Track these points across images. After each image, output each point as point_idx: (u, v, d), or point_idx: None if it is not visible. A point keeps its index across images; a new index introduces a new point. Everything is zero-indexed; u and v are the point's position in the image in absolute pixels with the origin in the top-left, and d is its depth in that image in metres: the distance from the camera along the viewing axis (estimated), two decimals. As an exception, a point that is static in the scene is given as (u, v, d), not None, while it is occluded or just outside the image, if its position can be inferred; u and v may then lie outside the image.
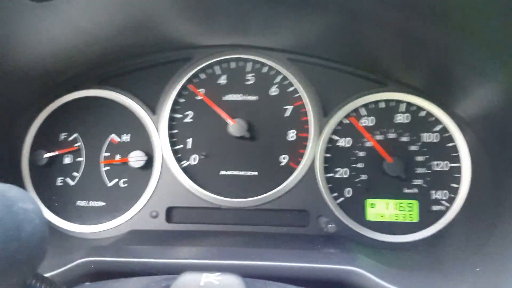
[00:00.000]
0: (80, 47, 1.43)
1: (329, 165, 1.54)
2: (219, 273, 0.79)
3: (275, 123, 1.58)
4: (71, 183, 1.58)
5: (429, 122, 1.53)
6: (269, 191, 1.52)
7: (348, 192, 1.52)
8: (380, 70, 1.56)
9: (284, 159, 1.56)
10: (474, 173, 1.48)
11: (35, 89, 1.55)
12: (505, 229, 1.21)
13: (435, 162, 1.51)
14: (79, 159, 1.59)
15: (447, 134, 1.52)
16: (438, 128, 1.53)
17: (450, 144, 1.51)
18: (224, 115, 1.56)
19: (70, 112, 1.61)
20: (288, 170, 1.54)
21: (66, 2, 1.13)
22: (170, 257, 1.03)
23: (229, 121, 1.54)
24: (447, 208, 1.48)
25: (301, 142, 1.56)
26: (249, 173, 1.56)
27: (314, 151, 1.54)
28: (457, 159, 1.50)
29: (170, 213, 1.55)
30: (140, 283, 0.81)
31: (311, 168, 1.53)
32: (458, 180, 1.49)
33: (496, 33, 1.01)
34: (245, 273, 0.92)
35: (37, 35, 1.27)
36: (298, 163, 1.54)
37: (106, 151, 1.58)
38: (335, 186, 1.53)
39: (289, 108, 1.59)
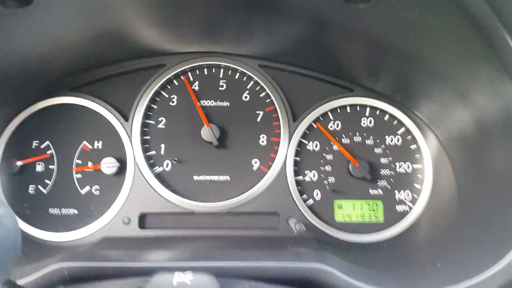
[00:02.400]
0: (52, 54, 1.43)
1: (299, 168, 1.59)
2: (191, 271, 0.81)
3: (247, 128, 1.62)
4: (44, 191, 1.57)
5: (393, 126, 1.61)
6: (241, 195, 1.55)
7: (317, 194, 1.57)
8: (346, 76, 1.63)
9: (255, 163, 1.60)
10: (435, 174, 1.55)
11: (7, 96, 1.54)
12: (464, 227, 1.29)
13: (398, 164, 1.58)
14: (51, 166, 1.58)
15: (409, 137, 1.59)
16: (401, 131, 1.60)
17: (413, 147, 1.59)
18: (202, 117, 1.58)
19: (42, 119, 1.60)
20: (260, 174, 1.58)
21: (39, 9, 1.13)
22: (143, 260, 1.05)
23: (205, 125, 1.57)
24: (411, 208, 1.55)
25: (272, 146, 1.60)
26: (221, 177, 1.59)
27: (284, 154, 1.58)
28: (419, 160, 1.58)
29: (143, 219, 1.56)
30: (113, 286, 0.82)
31: (282, 171, 1.57)
32: (420, 181, 1.56)
33: (453, 39, 1.08)
34: (217, 274, 0.95)
35: (9, 43, 1.27)
36: (269, 166, 1.58)
37: (78, 158, 1.58)
38: (305, 188, 1.57)
39: (261, 113, 1.63)
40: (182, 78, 1.65)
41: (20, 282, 1.00)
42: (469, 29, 0.96)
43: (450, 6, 0.94)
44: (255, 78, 1.63)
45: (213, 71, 1.66)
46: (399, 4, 1.05)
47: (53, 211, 1.56)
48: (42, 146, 1.59)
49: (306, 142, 1.61)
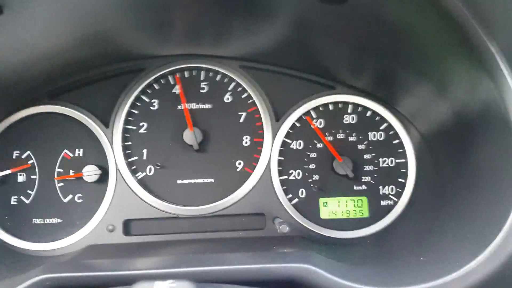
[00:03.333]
0: (29, 63, 1.41)
1: (283, 167, 1.58)
2: (172, 280, 0.81)
3: (230, 129, 1.61)
4: (26, 201, 1.55)
5: (375, 121, 1.61)
6: (226, 197, 1.55)
7: (302, 192, 1.57)
8: (328, 74, 1.63)
9: (239, 165, 1.59)
10: (418, 168, 1.56)
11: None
12: (447, 221, 1.30)
13: (382, 159, 1.58)
14: (33, 176, 1.56)
15: (392, 132, 1.60)
16: (383, 126, 1.60)
17: (395, 141, 1.59)
18: (188, 120, 1.57)
19: (21, 129, 1.58)
20: (244, 175, 1.57)
21: (11, 17, 1.11)
22: (126, 269, 1.03)
23: (188, 128, 1.56)
24: (395, 203, 1.56)
25: (256, 147, 1.60)
26: (205, 180, 1.58)
27: (268, 155, 1.58)
28: (402, 155, 1.58)
29: (127, 226, 1.55)
30: (93, 296, 0.82)
31: (266, 171, 1.57)
32: (404, 175, 1.57)
33: (429, 36, 1.08)
34: (201, 279, 0.94)
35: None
36: (253, 167, 1.58)
37: (59, 167, 1.56)
38: (290, 187, 1.57)
39: (243, 114, 1.62)
40: (163, 81, 1.63)
41: (0, 296, 0.98)
42: (444, 25, 0.97)
43: (425, 4, 0.95)
44: (237, 79, 1.62)
45: (194, 73, 1.65)
46: (374, 4, 1.05)
47: (37, 221, 1.54)
48: (23, 156, 1.57)
49: (289, 141, 1.60)
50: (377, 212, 1.56)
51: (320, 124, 1.61)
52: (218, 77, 1.65)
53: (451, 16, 0.92)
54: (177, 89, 1.63)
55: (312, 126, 1.60)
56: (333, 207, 1.56)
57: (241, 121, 1.62)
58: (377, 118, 1.61)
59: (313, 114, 1.62)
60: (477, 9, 0.89)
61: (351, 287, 0.98)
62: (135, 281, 0.84)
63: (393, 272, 1.13)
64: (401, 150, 1.59)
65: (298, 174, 1.58)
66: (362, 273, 1.09)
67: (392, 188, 1.57)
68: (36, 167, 1.57)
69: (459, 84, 1.16)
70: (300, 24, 1.29)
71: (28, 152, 1.57)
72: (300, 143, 1.60)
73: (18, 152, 1.57)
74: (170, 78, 1.64)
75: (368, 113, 1.62)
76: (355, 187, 1.57)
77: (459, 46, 1.01)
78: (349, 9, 1.10)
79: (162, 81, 1.63)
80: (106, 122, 1.59)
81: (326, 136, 1.60)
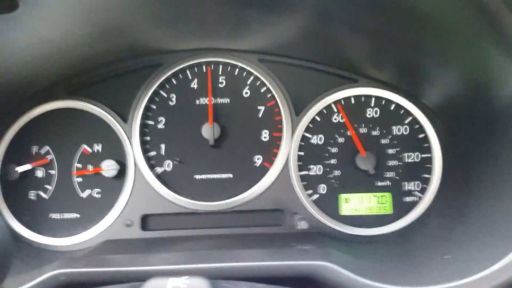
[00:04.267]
0: (46, 58, 1.42)
1: (303, 163, 1.55)
2: (187, 276, 0.79)
3: (248, 124, 1.59)
4: (44, 196, 1.56)
5: (399, 115, 1.55)
6: (244, 192, 1.53)
7: (323, 188, 1.53)
8: (350, 67, 1.58)
9: (258, 160, 1.56)
10: (444, 162, 1.50)
11: (3, 104, 1.53)
12: (474, 217, 1.24)
13: (406, 154, 1.53)
14: (51, 171, 1.57)
15: (417, 126, 1.54)
16: (407, 120, 1.55)
17: (420, 135, 1.53)
18: (210, 114, 1.55)
19: (40, 125, 1.59)
20: (263, 170, 1.55)
21: (28, 12, 1.11)
22: (142, 265, 1.02)
23: (207, 123, 1.55)
24: (420, 199, 1.50)
25: (275, 141, 1.57)
26: (224, 175, 1.56)
27: (288, 150, 1.55)
28: (427, 149, 1.52)
29: (145, 221, 1.54)
30: (106, 292, 0.80)
31: (285, 167, 1.54)
32: (429, 171, 1.51)
33: (457, 23, 1.03)
34: (217, 276, 0.92)
35: (1, 48, 1.25)
36: (272, 162, 1.55)
37: (78, 162, 1.57)
38: (309, 183, 1.54)
39: (262, 108, 1.59)
40: (180, 76, 1.61)
41: (17, 290, 0.98)
42: (473, 12, 0.92)
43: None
44: (255, 73, 1.59)
45: (212, 68, 1.63)
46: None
47: (55, 216, 1.55)
48: (41, 152, 1.58)
49: (309, 136, 1.56)
50: (401, 209, 1.50)
51: (342, 118, 1.57)
52: (236, 71, 1.62)
53: (482, 1, 0.87)
54: (195, 84, 1.61)
55: (341, 114, 1.55)
56: (355, 203, 1.52)
57: (260, 115, 1.59)
58: (401, 111, 1.56)
59: (334, 108, 1.57)
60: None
61: (372, 286, 0.94)
62: (150, 277, 0.83)
63: (416, 270, 1.08)
64: (426, 145, 1.53)
65: (319, 169, 1.54)
66: (384, 271, 1.05)
67: (417, 184, 1.51)
68: (55, 162, 1.57)
69: (487, 72, 1.10)
70: (321, 14, 1.25)
71: (47, 147, 1.58)
72: (320, 137, 1.56)
73: (37, 147, 1.58)
74: (188, 72, 1.62)
75: (392, 107, 1.56)
76: (378, 183, 1.52)
77: (489, 32, 0.95)
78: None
79: (180, 75, 1.62)
80: (124, 117, 1.59)
81: (348, 130, 1.55)
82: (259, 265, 1.01)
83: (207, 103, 1.59)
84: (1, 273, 0.76)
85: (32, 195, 1.56)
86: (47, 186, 1.56)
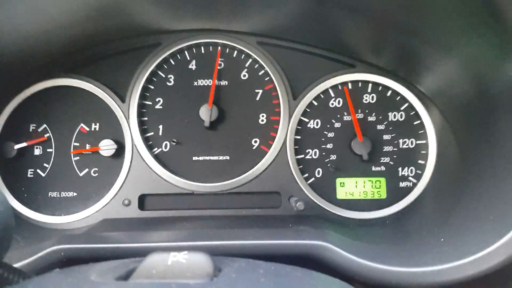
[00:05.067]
0: (46, 34, 1.40)
1: (299, 146, 1.56)
2: (186, 251, 0.80)
3: (246, 107, 1.59)
4: (42, 174, 1.56)
5: (395, 101, 1.57)
6: (242, 175, 1.54)
7: (318, 172, 1.55)
8: (348, 52, 1.58)
9: (255, 143, 1.57)
10: (439, 149, 1.52)
11: (1, 79, 1.52)
12: (468, 201, 1.26)
13: (402, 140, 1.55)
14: (49, 150, 1.57)
15: (412, 112, 1.56)
16: (404, 106, 1.56)
17: (416, 122, 1.55)
18: (211, 96, 1.55)
19: (38, 102, 1.58)
20: (260, 153, 1.56)
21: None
22: (141, 242, 1.04)
23: (206, 104, 1.55)
24: (414, 184, 1.53)
25: (272, 125, 1.58)
26: (221, 157, 1.57)
27: (285, 133, 1.56)
28: (423, 136, 1.54)
29: (142, 200, 1.55)
30: (108, 266, 0.81)
31: (282, 150, 1.55)
32: (424, 157, 1.53)
33: (457, 9, 1.03)
34: (216, 253, 0.94)
35: (1, 24, 1.24)
36: (269, 146, 1.56)
37: (75, 141, 1.57)
38: (306, 167, 1.55)
39: (260, 91, 1.60)
40: (179, 57, 1.61)
41: (17, 264, 0.99)
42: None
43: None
44: (254, 55, 1.59)
45: (210, 49, 1.62)
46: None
47: (52, 194, 1.55)
48: (39, 129, 1.58)
49: (306, 120, 1.58)
50: (395, 194, 1.53)
51: (339, 103, 1.58)
52: (235, 54, 1.62)
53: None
54: (193, 65, 1.61)
55: (343, 99, 1.57)
56: (350, 187, 1.54)
57: (257, 98, 1.59)
58: (398, 98, 1.57)
59: (332, 93, 1.58)
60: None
61: (366, 265, 0.97)
62: (149, 253, 0.84)
63: (410, 252, 1.10)
64: (421, 131, 1.55)
65: (315, 153, 1.56)
66: (378, 252, 1.07)
67: (411, 170, 1.53)
68: (53, 141, 1.57)
69: (486, 61, 1.11)
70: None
71: (45, 125, 1.58)
72: (317, 122, 1.57)
73: (35, 125, 1.58)
74: (186, 53, 1.61)
75: (389, 93, 1.57)
76: (373, 168, 1.54)
77: (487, 19, 0.96)
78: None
79: (179, 56, 1.61)
80: (122, 96, 1.58)
81: (345, 116, 1.56)
82: (257, 243, 1.03)
83: (207, 84, 1.59)
84: (2, 248, 0.76)
85: (30, 173, 1.56)
86: (45, 164, 1.56)
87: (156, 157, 1.56)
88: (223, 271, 0.74)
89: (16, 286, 0.72)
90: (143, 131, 1.57)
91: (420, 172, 1.53)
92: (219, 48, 1.61)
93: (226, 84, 1.60)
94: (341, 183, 1.54)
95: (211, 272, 0.70)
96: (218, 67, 1.61)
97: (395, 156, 1.54)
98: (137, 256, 0.96)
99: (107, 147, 1.53)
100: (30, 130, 1.57)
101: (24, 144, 1.54)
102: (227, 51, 1.62)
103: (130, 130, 1.56)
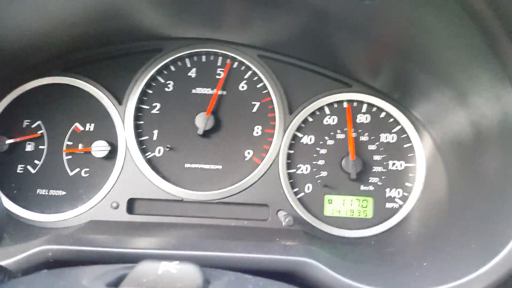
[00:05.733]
0: (47, 32, 1.41)
1: (291, 161, 1.58)
2: (178, 262, 0.81)
3: (242, 118, 1.61)
4: (32, 171, 1.55)
5: (388, 123, 1.60)
6: (232, 185, 1.55)
7: (308, 188, 1.57)
8: (345, 71, 1.61)
9: (248, 154, 1.59)
10: (428, 173, 1.55)
11: (-1, 74, 1.52)
12: (452, 227, 1.29)
13: (391, 162, 1.57)
14: (41, 147, 1.56)
15: (404, 135, 1.58)
16: (396, 129, 1.59)
17: (407, 145, 1.58)
18: (211, 105, 1.57)
19: (33, 99, 1.58)
20: (252, 165, 1.57)
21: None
22: (130, 247, 1.03)
23: (203, 113, 1.56)
24: (400, 206, 1.55)
25: (266, 138, 1.59)
26: (213, 166, 1.58)
27: (278, 147, 1.57)
28: (412, 159, 1.57)
29: (131, 204, 1.55)
30: (97, 271, 0.82)
31: (274, 163, 1.56)
32: (412, 180, 1.56)
33: (456, 40, 1.07)
34: (203, 264, 0.94)
35: (3, 18, 1.24)
36: (262, 158, 1.57)
37: (69, 140, 1.56)
38: (296, 181, 1.57)
39: (257, 104, 1.62)
40: (179, 64, 1.62)
41: (2, 262, 0.99)
42: (472, 31, 0.95)
43: (455, 7, 0.93)
44: (253, 68, 1.61)
45: (211, 58, 1.64)
46: (404, 3, 1.03)
47: (41, 191, 1.54)
48: (33, 126, 1.57)
49: (300, 135, 1.60)
50: (381, 214, 1.54)
51: (333, 121, 1.60)
52: (235, 65, 1.64)
53: (478, 19, 0.91)
54: (193, 73, 1.62)
55: (347, 115, 1.59)
56: (338, 205, 1.56)
57: (254, 110, 1.61)
58: (391, 120, 1.60)
59: (327, 110, 1.61)
60: (504, 14, 0.87)
61: (350, 285, 0.98)
62: (138, 259, 0.84)
63: (393, 273, 1.12)
64: (411, 154, 1.57)
65: (307, 169, 1.58)
66: (363, 272, 1.08)
67: (398, 192, 1.56)
68: (45, 138, 1.57)
69: (481, 93, 1.14)
70: (324, 16, 1.27)
71: (39, 122, 1.57)
72: (311, 138, 1.59)
73: (29, 121, 1.57)
74: (187, 61, 1.63)
75: (382, 114, 1.60)
76: (362, 187, 1.56)
77: (485, 53, 0.99)
78: (376, 6, 1.08)
79: (179, 63, 1.63)
80: (119, 99, 1.59)
81: (338, 134, 1.59)
82: (244, 256, 1.03)
83: (206, 93, 1.60)
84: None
85: (20, 168, 1.55)
86: (36, 161, 1.55)
87: (149, 162, 1.56)
88: (212, 284, 0.75)
89: (3, 285, 0.72)
90: (137, 135, 1.57)
91: (407, 194, 1.55)
92: (229, 60, 1.63)
93: (224, 94, 1.62)
94: (329, 200, 1.56)
95: (201, 285, 0.71)
96: (217, 77, 1.62)
97: (383, 177, 1.56)
98: (125, 262, 0.96)
99: (100, 148, 1.53)
100: (24, 125, 1.57)
101: (16, 139, 1.53)
102: (227, 61, 1.64)
103: (124, 132, 1.56)
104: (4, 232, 0.79)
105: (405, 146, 1.58)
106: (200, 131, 1.55)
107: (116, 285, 0.69)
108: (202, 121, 1.55)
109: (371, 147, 1.58)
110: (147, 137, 1.58)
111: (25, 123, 1.57)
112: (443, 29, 1.07)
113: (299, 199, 1.55)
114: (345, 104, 1.61)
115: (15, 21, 1.28)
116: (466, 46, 1.04)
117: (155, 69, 1.59)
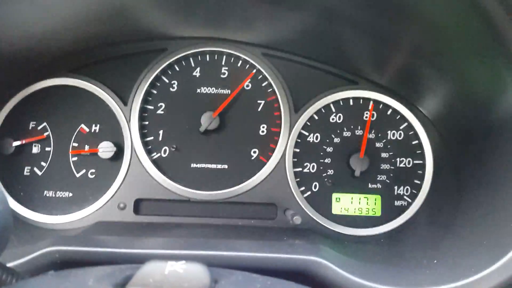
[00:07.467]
0: (52, 33, 1.41)
1: (298, 159, 1.57)
2: (184, 261, 0.80)
3: (247, 117, 1.60)
4: (39, 172, 1.55)
5: (395, 120, 1.58)
6: (239, 184, 1.54)
7: (315, 186, 1.56)
8: (351, 68, 1.60)
9: (254, 153, 1.58)
10: (436, 170, 1.53)
11: (4, 76, 1.51)
12: (462, 225, 1.27)
13: (399, 159, 1.56)
14: (47, 148, 1.56)
15: (411, 132, 1.57)
16: (403, 126, 1.57)
17: (414, 142, 1.56)
18: (223, 105, 1.56)
19: (39, 100, 1.58)
20: (258, 164, 1.56)
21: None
22: (137, 247, 1.03)
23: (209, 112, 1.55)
24: (409, 204, 1.53)
25: (272, 136, 1.58)
26: (219, 166, 1.57)
27: (284, 145, 1.56)
28: (420, 156, 1.55)
29: (138, 205, 1.55)
30: (104, 271, 0.81)
31: (281, 162, 1.55)
32: (420, 177, 1.54)
33: (463, 35, 1.05)
34: (211, 263, 0.94)
35: (8, 20, 1.24)
36: (268, 157, 1.56)
37: (75, 141, 1.56)
38: (303, 180, 1.56)
39: (262, 102, 1.61)
40: (183, 63, 1.62)
41: (10, 264, 0.99)
42: (479, 25, 0.94)
43: (462, 2, 0.92)
44: (258, 66, 1.60)
45: (216, 57, 1.63)
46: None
47: (48, 193, 1.55)
48: (39, 128, 1.57)
49: (306, 133, 1.58)
50: (390, 212, 1.53)
51: (339, 119, 1.59)
52: (240, 63, 1.63)
53: (486, 13, 0.89)
54: (197, 72, 1.61)
55: (369, 112, 1.57)
56: (346, 203, 1.55)
57: (259, 109, 1.60)
58: (398, 117, 1.58)
59: (333, 108, 1.59)
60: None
61: (360, 284, 0.97)
62: (146, 260, 0.84)
63: (403, 272, 1.11)
64: (419, 151, 1.56)
65: (313, 167, 1.57)
66: (372, 270, 1.07)
67: (407, 189, 1.54)
68: (51, 139, 1.57)
69: (488, 88, 1.13)
70: (329, 13, 1.26)
71: (45, 123, 1.57)
72: (317, 136, 1.58)
73: (35, 123, 1.57)
74: (191, 60, 1.62)
75: (389, 111, 1.59)
76: (369, 185, 1.55)
77: (493, 47, 0.97)
78: (382, 2, 1.07)
79: (184, 63, 1.62)
80: (124, 99, 1.59)
81: (345, 131, 1.57)
82: (252, 256, 1.03)
83: (210, 92, 1.60)
84: (1, 247, 0.76)
85: (26, 170, 1.55)
86: (42, 163, 1.55)
87: (155, 162, 1.56)
88: (220, 283, 0.74)
89: (10, 287, 0.72)
90: (143, 135, 1.57)
91: (415, 191, 1.54)
92: (254, 70, 1.61)
93: (229, 92, 1.61)
94: (336, 198, 1.55)
95: (208, 284, 0.70)
96: (222, 76, 1.62)
97: (391, 175, 1.55)
98: (132, 262, 0.96)
99: (106, 149, 1.53)
100: (30, 127, 1.57)
101: (22, 142, 1.54)
102: (231, 60, 1.63)
103: (130, 133, 1.56)
104: (11, 234, 0.79)
105: (412, 143, 1.57)
106: (202, 129, 1.54)
107: (122, 286, 0.69)
108: (207, 121, 1.54)
109: (378, 144, 1.57)
110: (152, 138, 1.58)
111: (31, 125, 1.57)
112: (450, 25, 1.06)
113: (306, 198, 1.54)
114: (369, 104, 1.59)
115: (20, 23, 1.28)
116: (473, 41, 1.03)
117: (160, 69, 1.59)
